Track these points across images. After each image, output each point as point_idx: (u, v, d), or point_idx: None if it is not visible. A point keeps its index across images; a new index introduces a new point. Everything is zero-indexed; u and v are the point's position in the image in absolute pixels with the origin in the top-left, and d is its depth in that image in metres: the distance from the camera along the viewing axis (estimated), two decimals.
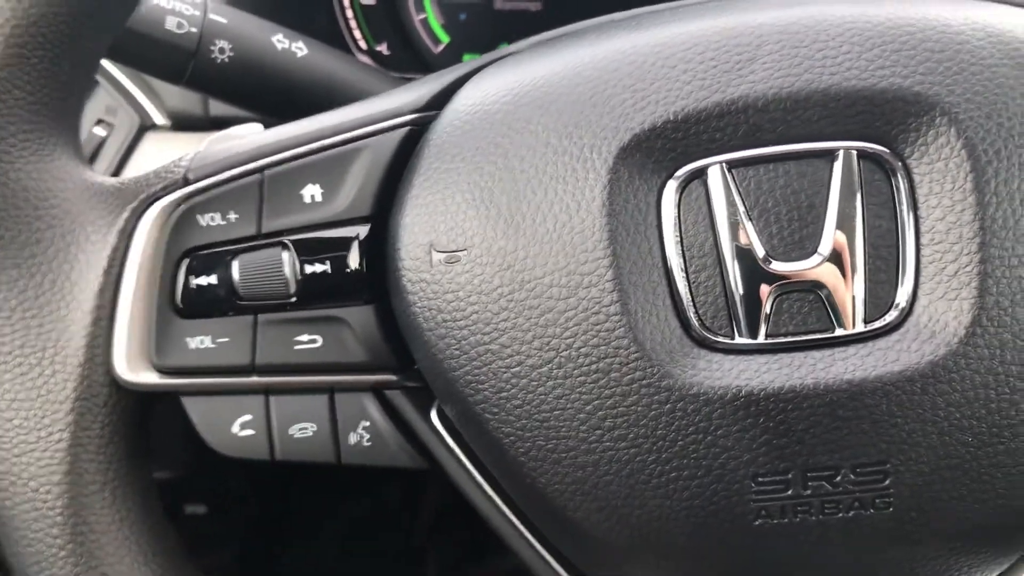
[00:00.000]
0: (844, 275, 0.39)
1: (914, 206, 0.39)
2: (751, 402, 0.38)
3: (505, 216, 0.39)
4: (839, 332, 0.39)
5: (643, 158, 0.39)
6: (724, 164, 0.39)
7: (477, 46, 0.91)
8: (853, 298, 0.39)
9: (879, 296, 0.39)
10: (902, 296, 0.39)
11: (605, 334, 0.38)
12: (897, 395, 0.38)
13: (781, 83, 0.39)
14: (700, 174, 0.39)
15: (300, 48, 0.64)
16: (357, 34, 0.90)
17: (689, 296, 0.39)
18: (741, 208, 0.39)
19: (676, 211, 0.39)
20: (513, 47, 0.49)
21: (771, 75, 0.39)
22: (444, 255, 0.40)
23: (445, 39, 0.92)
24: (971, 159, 0.38)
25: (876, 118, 0.39)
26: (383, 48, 0.90)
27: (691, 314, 0.39)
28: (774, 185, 0.39)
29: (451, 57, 0.92)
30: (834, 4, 0.41)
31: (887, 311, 0.39)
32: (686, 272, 0.39)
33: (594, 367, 0.38)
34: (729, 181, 0.39)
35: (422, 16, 0.91)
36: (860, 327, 0.39)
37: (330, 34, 0.89)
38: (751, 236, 0.39)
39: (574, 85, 0.40)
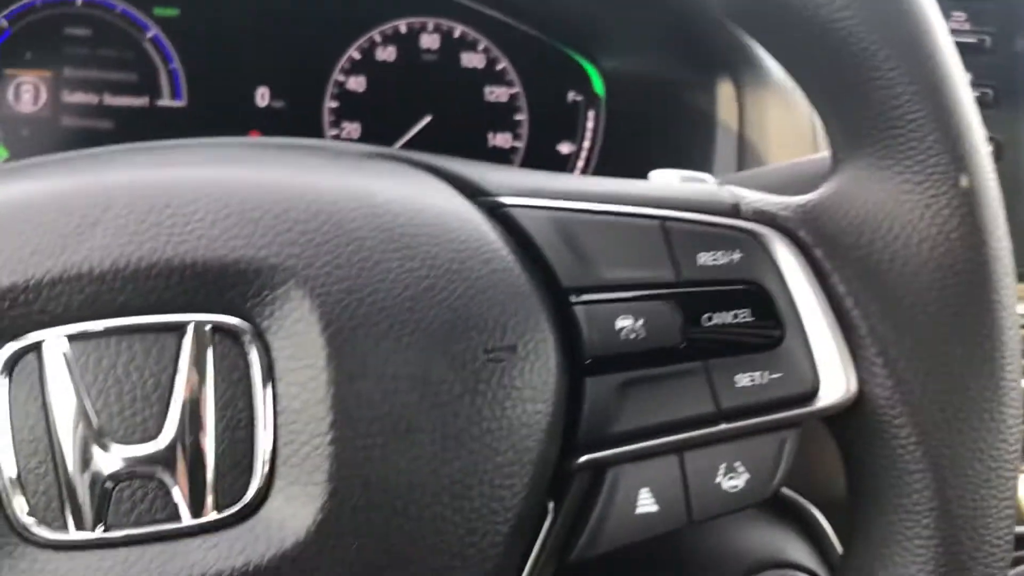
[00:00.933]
0: (192, 460, 0.35)
1: (272, 384, 0.36)
2: None
3: None
4: (188, 522, 0.35)
5: None
6: (61, 338, 0.35)
7: None
8: (202, 485, 0.36)
9: (233, 482, 0.36)
10: (256, 481, 0.36)
11: None
12: None
13: (121, 251, 0.35)
14: (35, 348, 0.35)
15: None
16: None
17: (18, 487, 0.35)
18: (79, 387, 0.35)
19: (7, 389, 0.35)
20: None
21: (111, 242, 0.36)
22: None
23: (4, 154, 0.85)
24: (325, 334, 0.36)
25: (228, 289, 0.36)
26: None
27: (18, 507, 0.34)
28: (116, 362, 0.36)
29: None
30: (201, 166, 0.39)
31: (240, 498, 0.36)
32: (15, 459, 0.35)
33: None
34: (67, 357, 0.35)
35: None
36: (211, 516, 0.36)
37: None
38: (88, 418, 0.35)
39: None
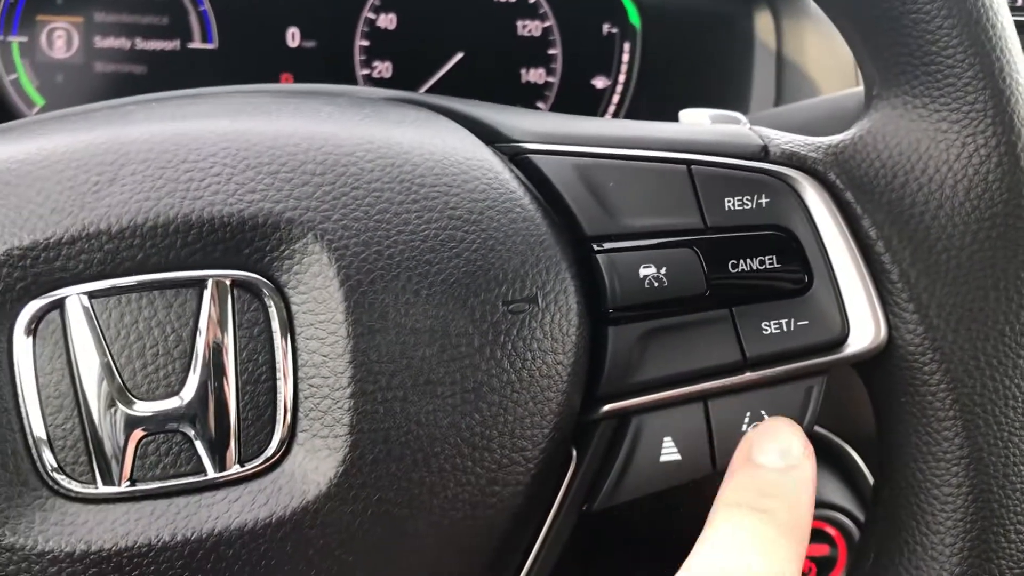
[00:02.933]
0: (215, 414, 0.36)
1: (292, 338, 0.37)
2: (101, 559, 0.34)
3: None
4: (212, 475, 0.36)
5: None
6: (82, 295, 0.35)
7: None
8: (225, 439, 0.36)
9: (255, 435, 0.36)
10: (278, 434, 0.36)
11: None
12: (261, 543, 0.35)
13: (139, 207, 0.36)
14: (58, 306, 0.36)
15: None
16: None
17: (46, 441, 0.35)
18: (102, 344, 0.35)
19: (31, 347, 0.35)
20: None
21: (129, 199, 0.36)
22: None
23: (40, 101, 0.85)
24: (344, 287, 0.36)
25: (246, 245, 0.36)
26: None
27: (47, 461, 0.35)
28: (137, 318, 0.36)
29: None
30: (219, 118, 0.39)
31: (263, 451, 0.36)
32: (43, 415, 0.35)
33: None
34: (89, 314, 0.35)
35: (13, 76, 0.84)
36: (235, 469, 0.36)
37: None
38: (112, 374, 0.35)
39: None
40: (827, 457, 0.68)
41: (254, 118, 0.39)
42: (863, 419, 0.50)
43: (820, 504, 0.67)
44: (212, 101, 0.42)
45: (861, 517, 0.66)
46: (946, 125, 0.41)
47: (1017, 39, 0.41)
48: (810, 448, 0.41)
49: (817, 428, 0.68)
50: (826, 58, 0.72)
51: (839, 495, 0.68)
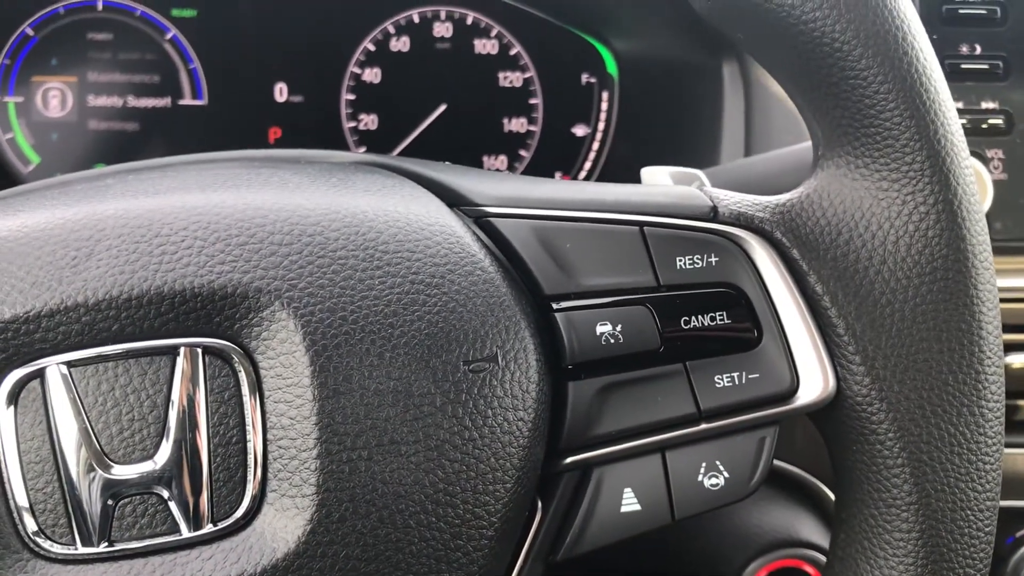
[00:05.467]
0: (188, 476, 0.38)
1: (261, 401, 0.38)
2: None
3: None
4: (186, 535, 0.38)
5: None
6: (61, 365, 0.37)
7: (72, 167, 0.88)
8: (198, 499, 0.38)
9: (227, 495, 0.38)
10: (248, 494, 0.38)
11: None
12: None
13: (114, 280, 0.37)
14: (39, 375, 0.37)
15: None
16: None
17: (28, 507, 0.37)
18: (80, 411, 0.37)
19: (13, 416, 0.37)
20: None
21: (105, 272, 0.38)
22: None
23: (36, 159, 0.88)
24: (310, 352, 0.38)
25: (216, 314, 0.38)
26: None
27: (28, 526, 0.37)
28: (114, 385, 0.38)
29: (43, 177, 0.88)
30: (190, 192, 0.41)
31: (235, 510, 0.38)
32: (24, 481, 0.37)
33: None
34: (68, 382, 0.37)
35: (9, 136, 0.87)
36: (208, 528, 0.38)
37: None
38: (91, 440, 0.37)
39: None
40: (804, 496, 0.70)
41: (224, 191, 0.41)
42: None
43: (798, 543, 0.69)
44: (184, 173, 0.44)
45: None
46: (887, 184, 0.43)
47: (951, 102, 0.43)
48: None
49: (794, 468, 0.69)
50: (792, 109, 0.74)
51: (816, 533, 0.69)
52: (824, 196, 0.44)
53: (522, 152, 0.91)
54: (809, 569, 0.68)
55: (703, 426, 0.43)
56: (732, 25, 0.46)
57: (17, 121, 0.87)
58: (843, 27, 0.42)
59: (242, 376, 0.38)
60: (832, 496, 0.68)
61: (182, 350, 0.38)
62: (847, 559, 0.44)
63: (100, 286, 0.38)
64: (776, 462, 0.56)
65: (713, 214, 0.44)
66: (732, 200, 0.45)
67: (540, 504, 0.43)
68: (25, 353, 0.37)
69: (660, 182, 0.49)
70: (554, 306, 0.42)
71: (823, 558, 0.68)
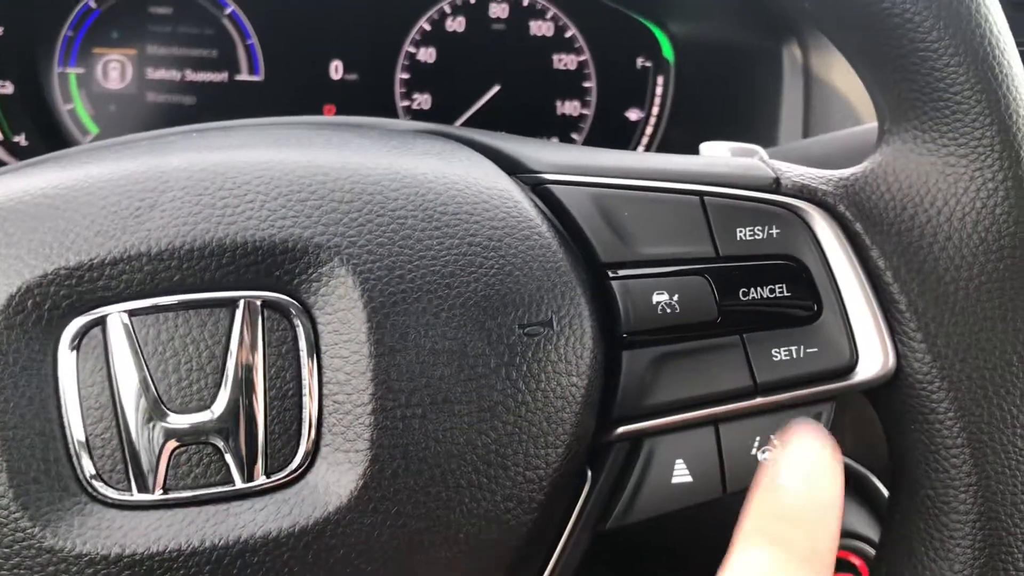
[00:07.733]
0: (244, 428, 0.38)
1: (318, 357, 0.39)
2: (135, 563, 0.36)
3: None
4: (240, 486, 0.38)
5: (36, 307, 0.38)
6: (123, 313, 0.38)
7: None
8: (253, 451, 0.38)
9: (281, 448, 0.38)
10: (303, 448, 0.38)
11: None
12: (284, 551, 0.37)
13: (177, 231, 0.38)
14: (100, 323, 0.38)
15: None
16: None
17: (86, 450, 0.38)
18: (140, 359, 0.38)
19: (75, 361, 0.38)
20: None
21: (168, 223, 0.38)
22: None
23: (94, 129, 0.89)
24: (367, 309, 0.38)
25: (276, 268, 0.38)
26: (20, 139, 0.86)
27: (86, 469, 0.37)
28: (173, 335, 0.38)
29: None
30: (255, 148, 0.41)
31: (288, 463, 0.38)
32: (83, 425, 0.38)
33: None
34: (129, 331, 0.38)
35: (70, 106, 0.88)
36: (261, 480, 0.38)
37: None
38: (149, 388, 0.38)
39: None
40: (852, 486, 0.69)
41: (287, 149, 0.41)
42: (883, 446, 0.51)
43: (845, 533, 0.68)
44: (248, 132, 0.44)
45: None
46: (954, 159, 0.42)
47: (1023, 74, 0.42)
48: (838, 470, 0.40)
49: (843, 457, 0.68)
50: (852, 89, 0.73)
51: (862, 523, 0.68)
52: (889, 171, 0.43)
53: (574, 135, 0.91)
54: (855, 560, 0.67)
55: (759, 400, 0.42)
56: None
57: (78, 92, 0.88)
58: None
59: (300, 331, 0.39)
60: (881, 488, 0.67)
61: (241, 303, 0.38)
62: (901, 541, 0.44)
63: (163, 236, 0.38)
64: None
65: (775, 186, 0.44)
66: (795, 172, 0.44)
67: (590, 474, 0.42)
68: (88, 300, 0.38)
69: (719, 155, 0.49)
70: (610, 274, 0.42)
71: (870, 550, 0.67)
